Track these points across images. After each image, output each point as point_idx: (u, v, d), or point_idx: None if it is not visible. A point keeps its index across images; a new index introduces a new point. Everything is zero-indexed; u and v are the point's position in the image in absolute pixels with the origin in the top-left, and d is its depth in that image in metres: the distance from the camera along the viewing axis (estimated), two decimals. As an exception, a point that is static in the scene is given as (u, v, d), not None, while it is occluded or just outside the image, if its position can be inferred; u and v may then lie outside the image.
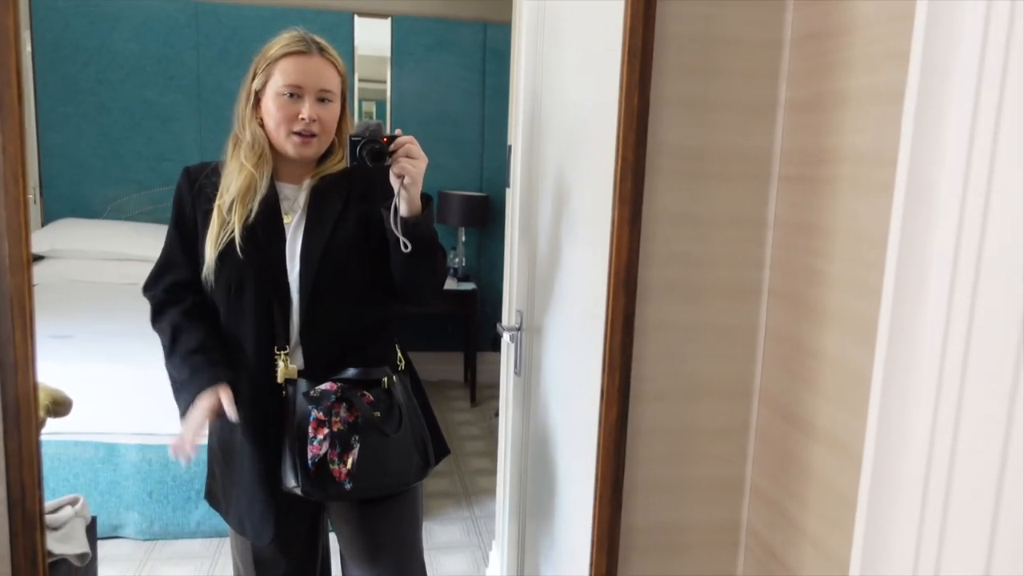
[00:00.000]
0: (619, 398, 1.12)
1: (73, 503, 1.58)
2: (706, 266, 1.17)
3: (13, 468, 0.99)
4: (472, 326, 4.52)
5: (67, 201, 4.15)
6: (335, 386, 1.49)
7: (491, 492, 3.46)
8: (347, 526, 1.67)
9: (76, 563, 1.53)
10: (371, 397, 1.52)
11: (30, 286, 0.96)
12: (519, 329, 2.12)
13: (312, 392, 1.48)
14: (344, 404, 1.49)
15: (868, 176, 0.96)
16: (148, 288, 1.62)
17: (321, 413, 1.47)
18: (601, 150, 1.37)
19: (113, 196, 4.26)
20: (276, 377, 1.52)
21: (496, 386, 4.78)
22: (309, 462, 1.48)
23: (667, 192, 1.13)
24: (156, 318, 1.60)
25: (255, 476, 1.56)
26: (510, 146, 2.36)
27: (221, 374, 1.50)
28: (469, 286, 4.49)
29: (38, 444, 1.00)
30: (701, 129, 1.13)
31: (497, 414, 4.30)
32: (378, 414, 1.51)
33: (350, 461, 1.48)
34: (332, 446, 1.48)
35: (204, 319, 1.57)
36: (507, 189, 2.56)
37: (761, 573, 1.21)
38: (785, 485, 1.14)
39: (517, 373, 2.16)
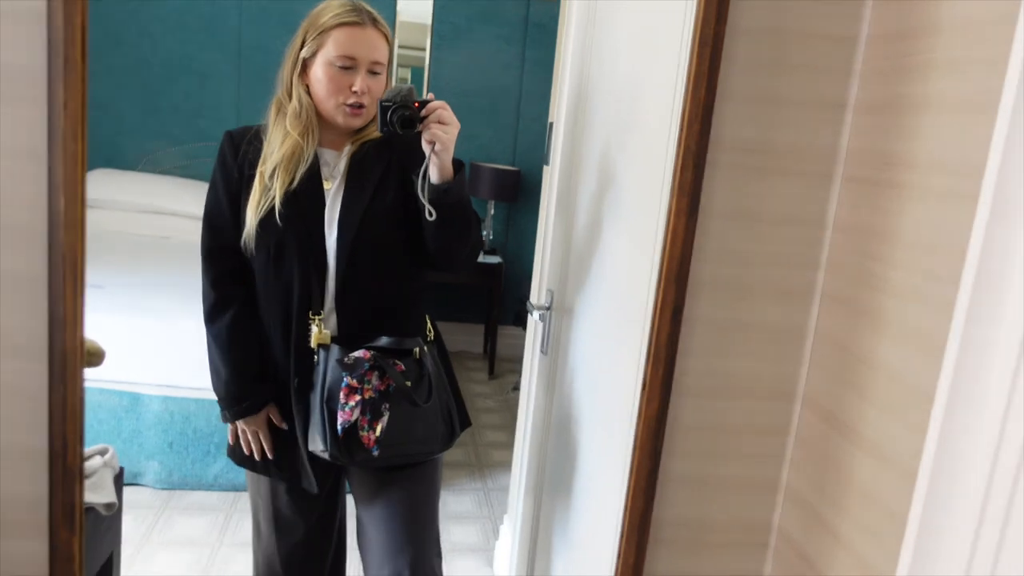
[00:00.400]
0: (661, 391, 1.10)
1: (103, 453, 1.60)
2: (759, 264, 1.14)
3: (56, 421, 0.99)
4: (495, 299, 4.51)
5: (102, 151, 4.16)
6: (368, 354, 1.50)
7: (505, 465, 3.48)
8: (366, 490, 1.69)
9: (103, 512, 1.55)
10: (403, 366, 1.52)
11: (83, 244, 0.95)
12: (549, 308, 2.11)
13: (347, 359, 1.49)
14: (376, 372, 1.49)
15: (943, 185, 0.93)
16: (204, 256, 1.63)
17: (354, 380, 1.48)
18: (655, 137, 1.35)
19: (148, 149, 4.27)
20: (309, 341, 1.53)
21: (515, 360, 4.79)
22: (339, 428, 1.49)
23: (725, 186, 1.11)
24: (211, 318, 1.63)
25: (289, 433, 1.60)
26: (551, 123, 2.33)
27: (265, 394, 1.59)
28: (495, 259, 4.48)
29: (82, 399, 1.00)
30: (765, 124, 1.10)
31: (515, 388, 4.31)
32: (409, 383, 1.52)
33: (379, 428, 1.49)
34: (363, 413, 1.49)
35: (250, 321, 1.61)
36: (544, 166, 2.53)
37: (789, 574, 1.20)
38: (822, 490, 1.13)
39: (543, 352, 2.15)
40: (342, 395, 1.49)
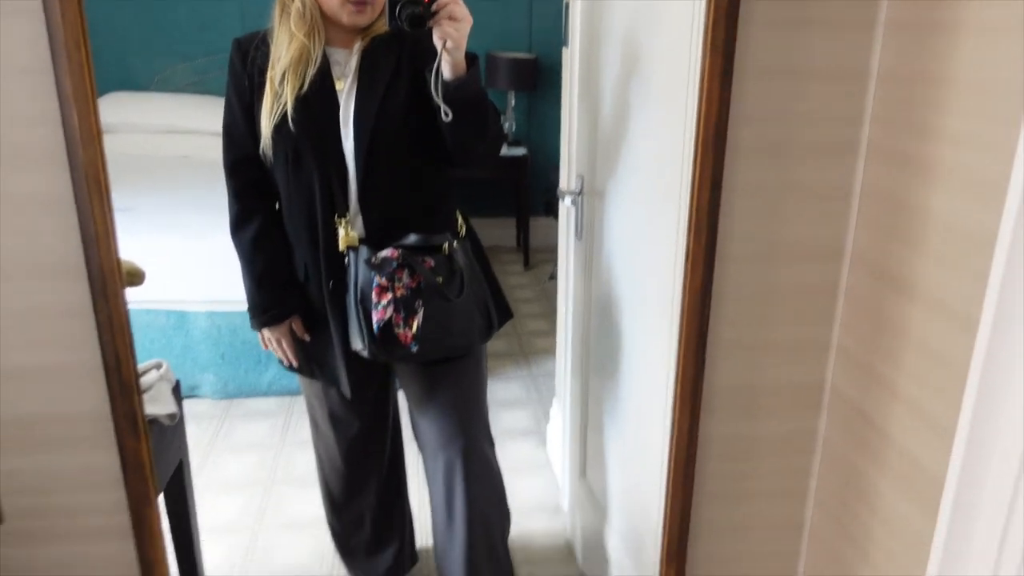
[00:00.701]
0: (704, 259, 1.08)
1: (157, 367, 1.64)
2: (801, 122, 1.08)
3: (105, 337, 1.01)
4: (523, 191, 4.46)
5: (114, 75, 4.10)
6: (396, 252, 1.49)
7: (548, 352, 3.54)
8: (414, 385, 1.72)
9: (167, 422, 1.61)
10: (432, 263, 1.51)
11: (103, 158, 0.94)
12: (580, 193, 2.07)
13: (373, 259, 1.49)
14: (406, 270, 1.49)
15: (1000, 17, 0.86)
16: (226, 169, 1.62)
17: (384, 279, 1.48)
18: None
19: (158, 68, 4.19)
20: (338, 245, 1.53)
21: (549, 250, 4.78)
22: (375, 327, 1.50)
23: (761, 42, 1.04)
24: (235, 230, 1.65)
25: (330, 336, 1.62)
26: (566, 3, 2.21)
27: (294, 301, 1.63)
28: (520, 151, 4.39)
29: (126, 314, 1.01)
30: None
31: (552, 277, 4.32)
32: (440, 279, 1.51)
33: (415, 325, 1.50)
34: (396, 311, 1.50)
35: (276, 229, 1.63)
36: (563, 48, 2.43)
37: (846, 431, 1.20)
38: (876, 346, 1.11)
39: (578, 237, 2.13)
40: (374, 295, 1.49)
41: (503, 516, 1.85)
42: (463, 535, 1.76)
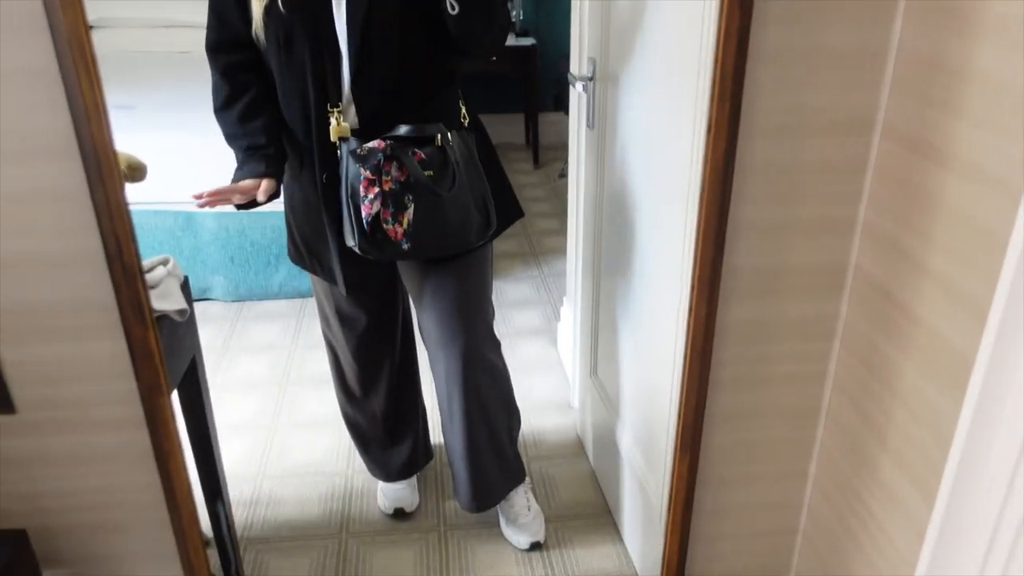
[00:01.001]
0: (728, 130, 1.02)
1: (164, 263, 1.61)
2: (835, -25, 1.00)
3: (104, 220, 0.97)
4: (532, 85, 4.31)
5: (107, -32, 3.92)
6: (383, 144, 1.43)
7: (558, 251, 3.50)
8: (414, 284, 1.70)
9: (177, 318, 1.59)
10: (423, 155, 1.45)
11: (86, 24, 0.87)
12: (591, 78, 1.97)
13: (359, 150, 1.43)
14: (394, 162, 1.43)
15: None
16: (210, 49, 1.54)
17: (369, 172, 1.43)
18: None
19: (150, -43, 4.00)
20: (330, 136, 1.47)
21: (559, 147, 4.67)
22: (363, 222, 1.46)
23: None
24: (223, 107, 1.56)
25: (325, 230, 1.58)
26: None
27: (269, 167, 1.51)
28: (528, 41, 4.22)
29: (124, 195, 0.97)
30: None
31: (562, 175, 4.23)
32: (430, 173, 1.45)
33: (405, 221, 1.45)
34: (385, 205, 1.45)
35: (266, 104, 1.54)
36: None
37: (870, 311, 1.17)
38: (906, 221, 1.06)
39: (590, 126, 2.05)
40: (362, 188, 1.44)
41: (509, 413, 1.86)
42: (462, 434, 1.78)
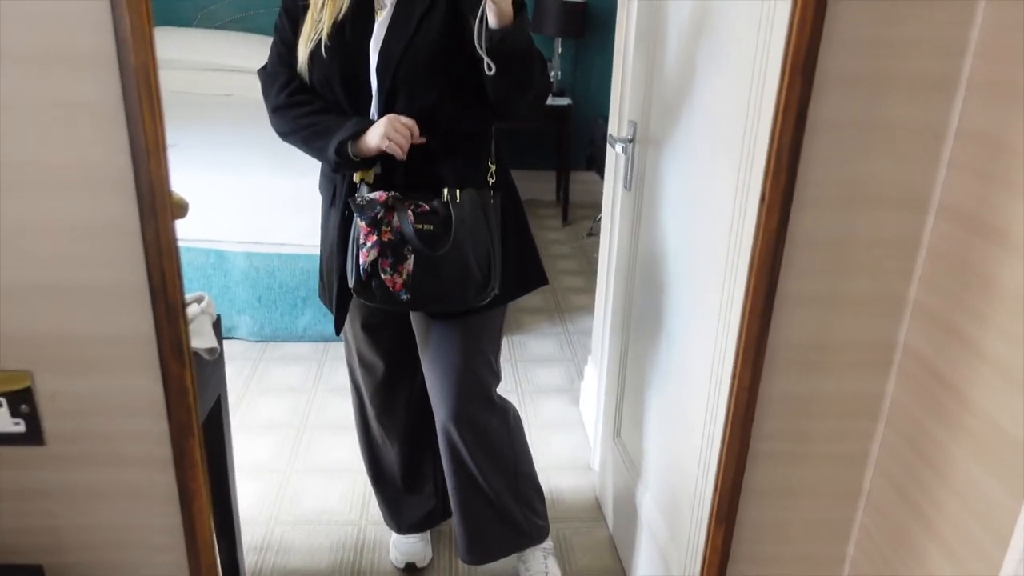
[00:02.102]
0: (782, 203, 1.01)
1: (199, 301, 1.61)
2: (897, 52, 1.00)
3: (152, 256, 0.97)
4: (566, 144, 4.36)
5: (157, 10, 4.02)
6: (384, 196, 1.44)
7: (584, 309, 3.49)
8: (419, 335, 1.70)
9: (206, 356, 1.58)
10: (427, 208, 1.45)
11: (155, 64, 0.88)
12: (631, 141, 1.99)
13: (359, 199, 1.45)
14: (395, 214, 1.44)
15: None
16: (267, 89, 1.57)
17: (365, 223, 1.44)
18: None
19: (203, 3, 4.14)
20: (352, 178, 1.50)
21: (588, 206, 4.70)
22: (360, 267, 1.47)
23: (860, -41, 0.95)
24: (282, 116, 1.55)
25: (337, 273, 1.59)
26: (626, -59, 2.11)
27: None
28: (564, 101, 4.29)
29: (174, 232, 0.97)
30: None
31: (590, 233, 4.25)
32: (430, 227, 1.45)
33: (404, 272, 1.46)
34: (384, 255, 1.45)
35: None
36: (621, -13, 2.33)
37: (918, 392, 1.14)
38: (960, 301, 1.04)
39: (626, 187, 2.05)
40: (361, 234, 1.45)
41: (514, 474, 1.82)
42: (452, 489, 1.78)
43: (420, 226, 1.45)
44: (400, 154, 1.42)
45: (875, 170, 1.05)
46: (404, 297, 1.48)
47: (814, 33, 0.93)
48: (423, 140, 1.45)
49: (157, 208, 0.93)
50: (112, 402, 1.09)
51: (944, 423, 1.09)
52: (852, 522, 1.28)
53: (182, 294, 0.99)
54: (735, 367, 1.11)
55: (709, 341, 1.47)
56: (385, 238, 1.45)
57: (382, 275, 1.47)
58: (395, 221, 1.44)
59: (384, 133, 1.41)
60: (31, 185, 0.98)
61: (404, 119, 1.42)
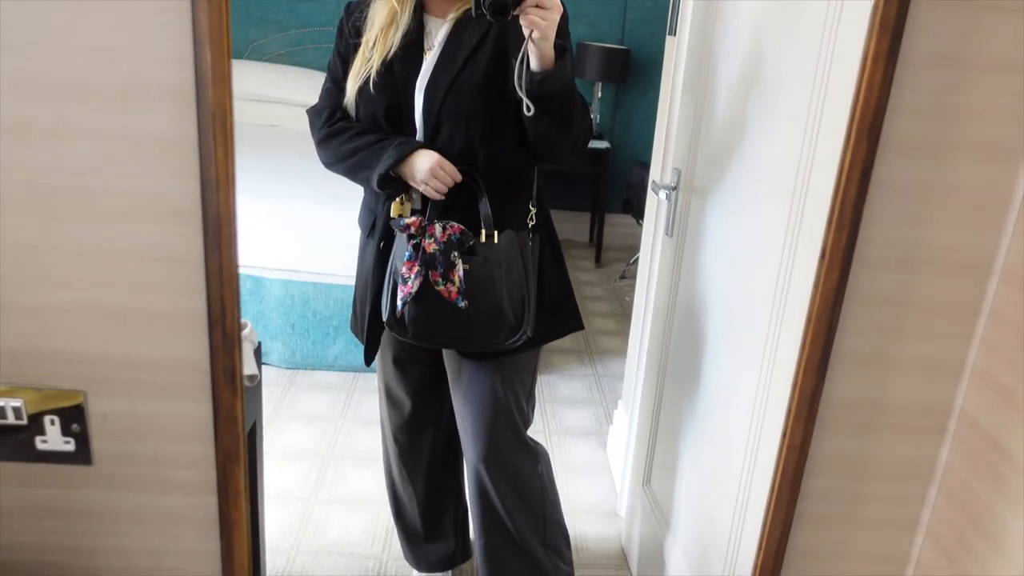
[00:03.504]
0: (842, 260, 1.00)
1: (243, 328, 1.63)
2: (962, 116, 1.00)
3: (213, 286, 0.99)
4: (602, 186, 4.39)
5: (208, 39, 4.18)
6: (420, 220, 1.47)
7: (614, 352, 3.47)
8: (451, 374, 1.70)
9: (247, 383, 1.59)
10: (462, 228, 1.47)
11: (231, 101, 0.91)
12: (675, 188, 1.99)
13: (399, 219, 1.48)
14: (439, 226, 1.45)
15: None
16: (314, 124, 1.61)
17: (407, 256, 1.45)
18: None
19: (254, 37, 4.26)
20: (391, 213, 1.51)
21: (622, 248, 4.70)
22: (400, 302, 1.48)
23: (931, 24, 0.95)
24: (326, 147, 1.58)
25: (371, 304, 1.61)
26: (672, -13, 2.14)
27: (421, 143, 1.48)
28: (602, 144, 4.32)
29: (236, 264, 0.99)
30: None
31: (623, 276, 4.24)
32: (467, 267, 1.46)
33: (457, 280, 1.45)
34: (432, 267, 1.45)
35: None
36: (668, 36, 2.36)
37: (973, 459, 1.11)
38: (1020, 370, 1.02)
39: (668, 234, 2.05)
40: (404, 268, 1.46)
41: (542, 520, 1.80)
42: (477, 532, 1.76)
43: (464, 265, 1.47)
44: (437, 196, 1.46)
45: (937, 233, 1.04)
46: (463, 304, 1.46)
47: (881, 97, 0.93)
48: (461, 179, 1.47)
49: (222, 239, 0.94)
50: (162, 426, 1.10)
51: (999, 492, 1.06)
52: (899, 590, 1.25)
53: (239, 324, 1.01)
54: (786, 424, 1.09)
55: (749, 394, 1.45)
56: (429, 250, 1.45)
57: (436, 287, 1.46)
58: (437, 231, 1.46)
59: (430, 170, 1.43)
60: (101, 210, 1.00)
61: (449, 165, 1.44)
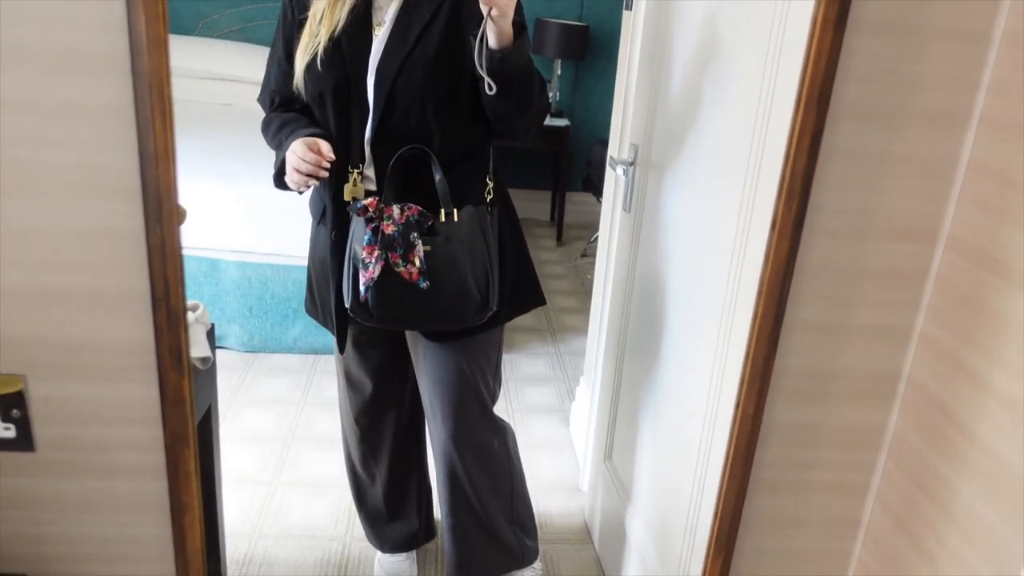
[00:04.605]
0: (792, 230, 1.01)
1: (193, 309, 1.59)
2: (911, 86, 1.00)
3: (156, 263, 0.96)
4: (563, 165, 4.37)
5: (157, 15, 4.06)
6: (376, 201, 1.42)
7: (576, 330, 3.48)
8: (415, 355, 1.68)
9: (199, 366, 1.56)
10: (420, 209, 1.45)
11: (168, 69, 0.87)
12: (632, 163, 1.99)
13: (356, 204, 1.44)
14: (396, 208, 1.42)
15: None
16: (262, 102, 1.59)
17: (366, 241, 1.42)
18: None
19: (204, 13, 4.14)
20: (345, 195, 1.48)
21: (583, 227, 4.71)
22: (362, 287, 1.45)
23: (876, -7, 0.96)
24: (265, 126, 1.57)
25: (331, 292, 1.58)
26: (631, -38, 2.13)
27: (319, 133, 1.45)
28: (562, 122, 4.30)
29: (179, 240, 0.96)
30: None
31: (584, 254, 4.25)
32: (427, 248, 1.45)
33: (417, 260, 1.43)
34: (391, 249, 1.42)
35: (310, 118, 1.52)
36: (624, 11, 2.34)
37: (921, 425, 1.13)
38: (967, 335, 1.04)
39: (626, 210, 2.05)
40: (364, 253, 1.43)
41: (509, 496, 1.81)
42: (445, 509, 1.76)
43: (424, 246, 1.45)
44: (312, 183, 1.42)
45: (885, 201, 1.05)
46: (424, 285, 1.44)
47: (830, 64, 0.93)
48: (333, 158, 1.40)
49: (163, 214, 0.91)
50: (106, 409, 1.07)
51: (947, 456, 1.08)
52: (851, 553, 1.27)
53: (184, 301, 0.98)
54: (739, 394, 1.10)
55: (706, 366, 1.46)
56: (388, 231, 1.43)
57: (397, 269, 1.44)
58: (395, 213, 1.42)
59: (293, 168, 1.39)
60: (34, 186, 0.96)
61: (315, 143, 1.40)
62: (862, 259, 1.08)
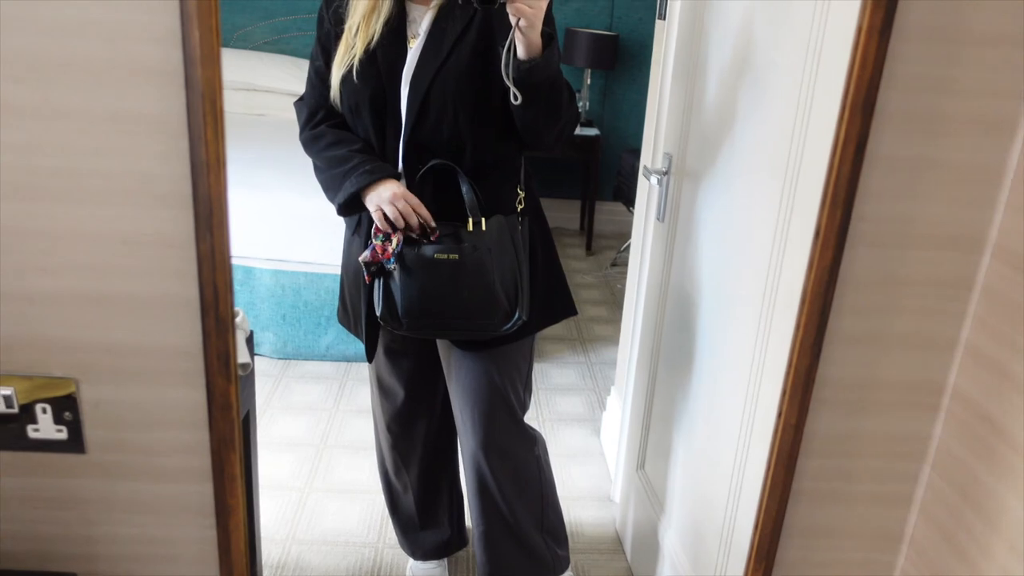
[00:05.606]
0: (837, 238, 1.00)
1: (234, 316, 1.62)
2: (957, 93, 1.00)
3: (206, 270, 0.98)
4: (593, 173, 4.38)
5: (193, 27, 4.14)
6: (401, 236, 1.48)
7: (606, 339, 3.47)
8: (446, 363, 1.69)
9: (240, 372, 1.58)
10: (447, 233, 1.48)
11: (220, 81, 0.90)
12: (666, 173, 1.99)
13: (381, 235, 1.49)
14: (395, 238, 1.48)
15: None
16: (299, 119, 1.61)
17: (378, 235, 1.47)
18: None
19: (240, 24, 4.21)
20: None
21: (613, 236, 4.70)
22: (396, 250, 1.48)
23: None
24: (307, 151, 1.59)
25: (363, 301, 1.60)
26: (667, -29, 2.13)
27: (387, 169, 1.48)
28: (592, 132, 4.31)
29: (229, 248, 0.98)
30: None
31: (615, 264, 4.24)
32: (454, 256, 1.47)
33: (396, 241, 1.46)
34: (377, 238, 1.48)
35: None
36: (658, 20, 2.35)
37: (966, 436, 1.12)
38: (1014, 345, 1.02)
39: (659, 219, 2.05)
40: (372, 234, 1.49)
41: (540, 505, 1.81)
42: (476, 518, 1.76)
43: (444, 256, 1.47)
44: (383, 224, 1.47)
45: (930, 209, 1.05)
46: (390, 266, 1.48)
47: (875, 71, 0.93)
48: (424, 217, 1.46)
49: (214, 222, 0.93)
50: (155, 413, 1.09)
51: (992, 467, 1.06)
52: (894, 566, 1.26)
53: (232, 308, 1.00)
54: (781, 404, 1.10)
55: (743, 376, 1.45)
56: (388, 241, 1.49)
57: (372, 241, 1.49)
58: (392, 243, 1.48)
59: (391, 197, 1.43)
60: (88, 194, 0.99)
61: (414, 199, 1.45)
62: (906, 267, 1.07)
